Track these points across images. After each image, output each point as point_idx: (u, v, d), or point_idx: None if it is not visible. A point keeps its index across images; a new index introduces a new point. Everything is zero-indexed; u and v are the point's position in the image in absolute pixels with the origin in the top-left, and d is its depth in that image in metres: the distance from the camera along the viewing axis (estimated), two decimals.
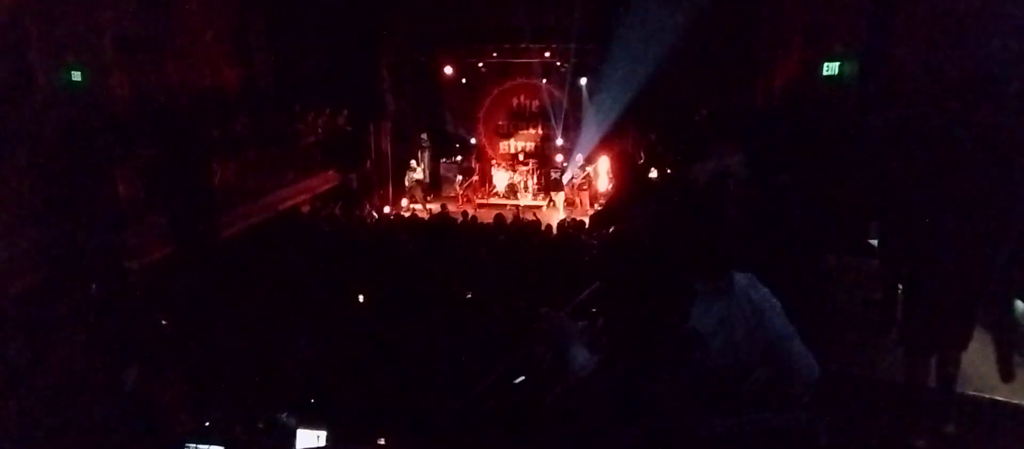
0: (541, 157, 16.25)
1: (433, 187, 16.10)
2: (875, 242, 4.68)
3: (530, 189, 15.61)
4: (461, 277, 7.27)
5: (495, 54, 15.06)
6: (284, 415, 3.27)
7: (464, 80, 16.04)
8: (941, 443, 3.27)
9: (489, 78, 16.10)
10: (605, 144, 14.63)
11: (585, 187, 14.97)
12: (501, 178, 15.81)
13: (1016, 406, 3.65)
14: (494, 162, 16.41)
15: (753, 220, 2.50)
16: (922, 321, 3.23)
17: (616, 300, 1.60)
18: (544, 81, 15.81)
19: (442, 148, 16.34)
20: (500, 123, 16.74)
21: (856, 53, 7.47)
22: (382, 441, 3.09)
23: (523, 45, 14.46)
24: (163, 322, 5.71)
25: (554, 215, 14.28)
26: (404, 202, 14.96)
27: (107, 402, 4.28)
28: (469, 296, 6.49)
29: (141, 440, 3.96)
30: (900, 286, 3.69)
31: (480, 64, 15.59)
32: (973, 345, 3.53)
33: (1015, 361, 3.65)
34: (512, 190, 15.54)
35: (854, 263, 5.19)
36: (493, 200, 15.26)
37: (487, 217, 12.85)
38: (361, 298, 6.62)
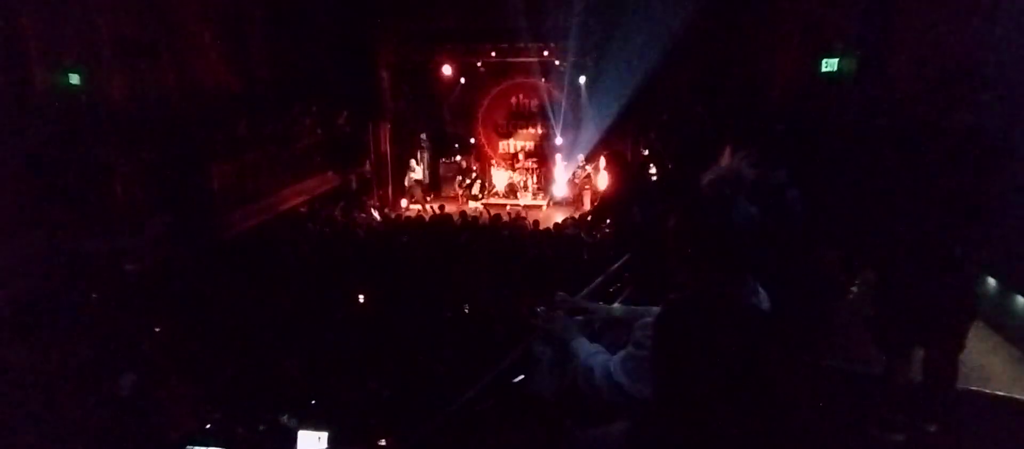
0: (540, 156, 16.25)
1: (433, 187, 16.10)
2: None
3: (530, 189, 15.62)
4: (460, 277, 7.27)
5: (494, 53, 15.05)
6: (285, 417, 3.28)
7: (463, 80, 16.03)
8: (939, 438, 3.27)
9: (488, 77, 16.08)
10: (605, 142, 14.62)
11: (586, 186, 14.98)
12: (501, 178, 15.81)
13: (1016, 401, 3.65)
14: (493, 162, 16.40)
15: (751, 219, 2.49)
16: (919, 316, 3.23)
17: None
18: (543, 80, 15.81)
19: (441, 148, 16.33)
20: (499, 122, 16.73)
21: (855, 50, 7.46)
22: (382, 442, 3.10)
23: (522, 44, 14.44)
24: (163, 325, 5.71)
25: (554, 215, 14.29)
26: (404, 202, 14.96)
27: (108, 404, 4.28)
28: (469, 298, 6.48)
29: (143, 442, 3.96)
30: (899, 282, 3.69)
31: (479, 64, 15.57)
32: (973, 341, 3.53)
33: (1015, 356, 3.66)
34: (512, 190, 15.54)
35: (851, 261, 5.18)
36: (493, 200, 15.26)
37: (484, 216, 12.85)
38: (361, 298, 6.63)
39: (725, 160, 2.48)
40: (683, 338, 1.62)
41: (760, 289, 1.77)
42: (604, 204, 13.11)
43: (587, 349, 2.04)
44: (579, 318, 2.24)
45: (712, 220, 1.70)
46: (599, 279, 2.32)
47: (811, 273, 3.35)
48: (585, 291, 2.39)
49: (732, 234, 1.67)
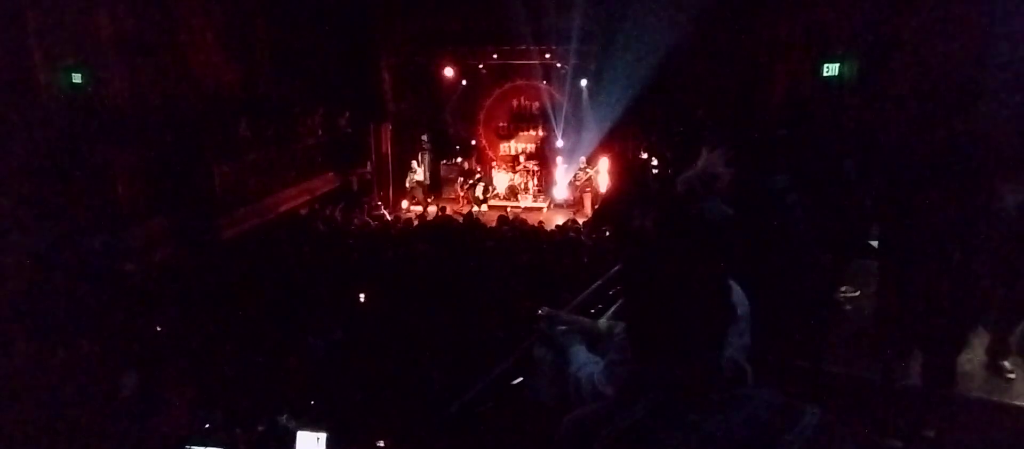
0: (541, 159, 16.27)
1: (434, 188, 16.11)
2: (874, 243, 4.68)
3: (531, 191, 15.62)
4: (462, 278, 7.28)
5: (495, 55, 15.06)
6: (284, 417, 3.28)
7: (464, 81, 16.04)
8: (940, 444, 3.27)
9: (489, 79, 16.09)
10: (606, 145, 14.64)
11: (588, 188, 14.98)
12: (501, 180, 15.81)
13: (1015, 407, 3.64)
14: (494, 164, 16.41)
15: (749, 223, 2.51)
16: (918, 321, 3.24)
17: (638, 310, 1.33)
18: (544, 82, 15.82)
19: (443, 150, 16.34)
20: (500, 124, 16.74)
21: (856, 53, 7.48)
22: (382, 443, 3.11)
23: (523, 46, 14.45)
24: (164, 324, 5.72)
25: (554, 217, 14.29)
26: (405, 204, 14.97)
27: (108, 404, 4.29)
28: (470, 299, 6.48)
29: (143, 442, 3.97)
30: (898, 287, 3.69)
31: (480, 65, 15.59)
32: (972, 346, 3.53)
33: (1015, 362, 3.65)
34: (512, 192, 15.55)
35: (852, 264, 5.18)
36: (494, 202, 15.27)
37: (487, 219, 12.86)
38: (362, 297, 6.64)
39: (702, 161, 2.47)
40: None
41: (735, 288, 1.71)
42: (604, 207, 13.14)
43: (581, 358, 2.04)
44: (579, 324, 2.24)
45: (684, 219, 1.69)
46: (588, 290, 2.30)
47: (808, 276, 3.36)
48: (574, 302, 2.38)
49: (704, 233, 1.66)
